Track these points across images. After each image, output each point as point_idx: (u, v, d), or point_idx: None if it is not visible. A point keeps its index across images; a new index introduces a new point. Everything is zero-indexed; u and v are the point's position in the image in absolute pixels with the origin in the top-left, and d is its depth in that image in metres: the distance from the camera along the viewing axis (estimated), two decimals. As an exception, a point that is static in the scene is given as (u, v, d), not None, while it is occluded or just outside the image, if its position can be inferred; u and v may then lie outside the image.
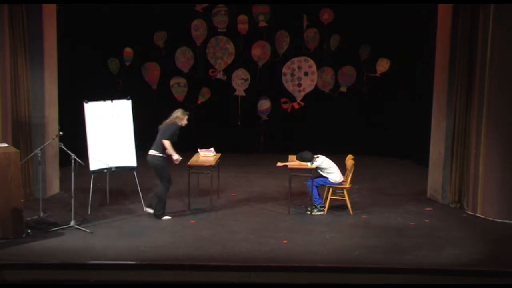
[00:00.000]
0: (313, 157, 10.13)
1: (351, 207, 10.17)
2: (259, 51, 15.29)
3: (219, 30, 15.27)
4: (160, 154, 9.69)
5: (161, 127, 9.86)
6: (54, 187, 11.23)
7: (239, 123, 15.41)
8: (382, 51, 14.96)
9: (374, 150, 14.83)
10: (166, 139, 9.65)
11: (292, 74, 15.37)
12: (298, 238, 8.88)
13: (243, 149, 15.07)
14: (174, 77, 15.42)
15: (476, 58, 10.18)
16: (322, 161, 10.12)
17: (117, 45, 14.92)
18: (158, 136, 9.79)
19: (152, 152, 9.73)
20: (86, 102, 9.98)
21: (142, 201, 10.23)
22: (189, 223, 9.58)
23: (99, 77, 14.53)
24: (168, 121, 9.88)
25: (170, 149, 9.68)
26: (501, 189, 9.93)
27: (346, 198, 10.14)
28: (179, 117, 9.86)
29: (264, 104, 15.53)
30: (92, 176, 10.01)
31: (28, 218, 9.24)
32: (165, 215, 9.81)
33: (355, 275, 7.50)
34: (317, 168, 10.10)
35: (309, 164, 10.12)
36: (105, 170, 10.19)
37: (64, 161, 10.54)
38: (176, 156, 9.70)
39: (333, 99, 15.39)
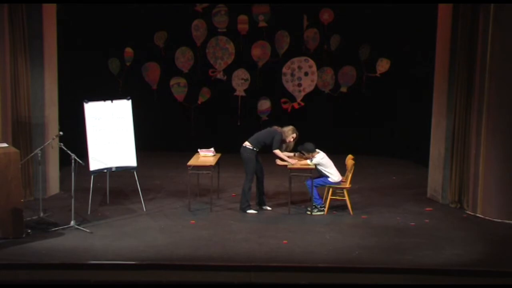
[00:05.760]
0: (315, 149, 10.13)
1: (351, 207, 10.17)
2: (259, 51, 15.28)
3: (219, 30, 15.26)
4: (251, 147, 10.06)
5: (270, 129, 10.27)
6: (54, 187, 11.23)
7: (239, 123, 15.40)
8: (382, 51, 14.96)
9: (374, 150, 14.84)
10: (276, 149, 10.07)
11: (292, 74, 15.36)
12: (298, 238, 8.88)
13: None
14: (174, 77, 15.41)
15: (476, 58, 10.18)
16: (322, 157, 10.12)
17: (118, 45, 14.92)
18: (262, 135, 10.21)
19: (245, 143, 10.15)
20: (86, 102, 9.98)
21: (143, 203, 10.25)
22: (189, 223, 9.58)
23: (99, 77, 14.54)
24: (277, 127, 10.27)
25: (283, 157, 10.14)
26: (501, 189, 9.93)
27: (346, 198, 10.15)
28: (288, 132, 10.20)
29: (264, 104, 15.52)
30: (92, 176, 10.01)
31: (28, 218, 9.24)
32: (250, 209, 10.14)
33: (355, 275, 7.51)
34: (316, 165, 10.10)
35: (308, 161, 10.13)
36: (105, 170, 10.19)
37: (64, 161, 10.54)
38: (293, 161, 10.13)
39: (333, 99, 15.40)
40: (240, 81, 15.47)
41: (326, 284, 7.33)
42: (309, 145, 10.19)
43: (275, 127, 10.31)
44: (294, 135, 10.25)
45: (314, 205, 10.12)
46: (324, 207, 10.15)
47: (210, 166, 10.27)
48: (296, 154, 10.37)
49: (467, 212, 10.36)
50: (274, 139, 10.10)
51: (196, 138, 14.13)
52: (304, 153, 10.23)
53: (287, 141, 10.24)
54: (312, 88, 15.39)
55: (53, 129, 10.92)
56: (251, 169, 10.10)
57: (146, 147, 12.75)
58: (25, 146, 10.52)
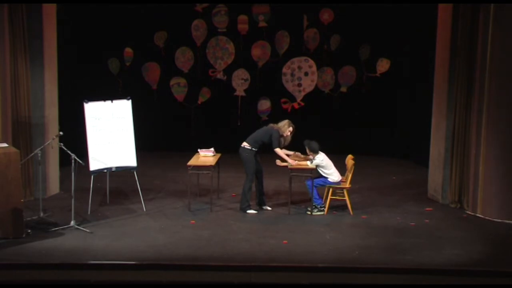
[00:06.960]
0: (318, 152, 10.12)
1: (351, 207, 10.17)
2: (259, 51, 15.28)
3: (219, 30, 15.26)
4: (249, 147, 10.07)
5: (266, 128, 10.30)
6: (54, 187, 11.23)
7: (239, 123, 15.40)
8: (382, 51, 14.96)
9: (374, 150, 14.84)
10: (277, 147, 10.07)
11: (292, 74, 15.36)
12: (298, 238, 8.88)
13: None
14: (174, 77, 15.41)
15: (476, 58, 10.18)
16: (322, 159, 10.13)
17: (118, 45, 14.92)
18: (259, 134, 10.20)
19: (243, 143, 10.15)
20: (86, 102, 9.98)
21: (143, 203, 10.25)
22: (189, 223, 9.58)
23: (99, 77, 14.54)
24: (273, 125, 10.30)
25: (284, 156, 10.14)
26: (501, 189, 9.93)
27: (346, 198, 10.15)
28: (284, 127, 10.20)
29: (264, 104, 15.52)
30: (92, 176, 10.01)
31: (28, 218, 9.24)
32: (250, 209, 10.14)
33: (355, 275, 7.51)
34: (317, 166, 10.10)
35: (309, 163, 10.13)
36: (105, 170, 10.19)
37: (64, 161, 10.54)
38: (293, 162, 10.09)
39: (333, 99, 15.39)
40: (240, 81, 15.47)
41: (326, 284, 7.34)
42: (315, 145, 10.15)
43: (271, 125, 10.33)
44: (291, 128, 10.25)
45: (314, 205, 10.12)
46: (324, 207, 10.15)
47: (210, 166, 10.27)
48: (295, 153, 10.37)
49: (467, 212, 10.36)
50: (272, 137, 10.09)
51: (196, 138, 14.13)
52: (307, 149, 10.21)
53: (285, 135, 10.23)
54: (312, 88, 15.39)
55: (53, 129, 10.92)
56: (251, 169, 10.10)
57: (146, 147, 12.76)
58: (25, 146, 10.52)
